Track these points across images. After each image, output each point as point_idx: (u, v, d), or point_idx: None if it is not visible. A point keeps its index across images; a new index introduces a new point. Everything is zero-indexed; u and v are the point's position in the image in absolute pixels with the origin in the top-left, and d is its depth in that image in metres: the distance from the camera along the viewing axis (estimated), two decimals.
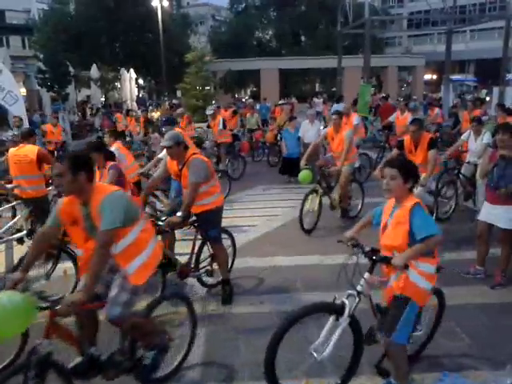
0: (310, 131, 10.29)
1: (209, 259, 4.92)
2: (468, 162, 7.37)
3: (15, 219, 6.25)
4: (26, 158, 5.92)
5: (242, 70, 34.89)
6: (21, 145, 6.16)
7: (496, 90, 17.01)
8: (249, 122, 15.02)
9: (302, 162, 7.09)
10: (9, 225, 6.17)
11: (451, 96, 22.77)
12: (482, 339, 3.88)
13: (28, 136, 6.24)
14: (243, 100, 30.92)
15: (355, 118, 10.04)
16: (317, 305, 3.17)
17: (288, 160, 10.21)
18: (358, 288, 3.00)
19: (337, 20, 25.96)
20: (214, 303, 4.75)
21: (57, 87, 27.55)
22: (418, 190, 5.07)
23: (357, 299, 2.97)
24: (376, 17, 25.71)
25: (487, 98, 21.43)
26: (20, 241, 6.10)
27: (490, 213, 4.89)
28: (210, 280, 4.99)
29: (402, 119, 10.64)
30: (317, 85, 47.14)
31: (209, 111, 11.28)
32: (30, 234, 6.15)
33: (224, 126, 10.73)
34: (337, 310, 2.97)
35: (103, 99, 29.40)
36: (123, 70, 25.28)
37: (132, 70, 25.43)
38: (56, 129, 12.48)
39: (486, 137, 7.14)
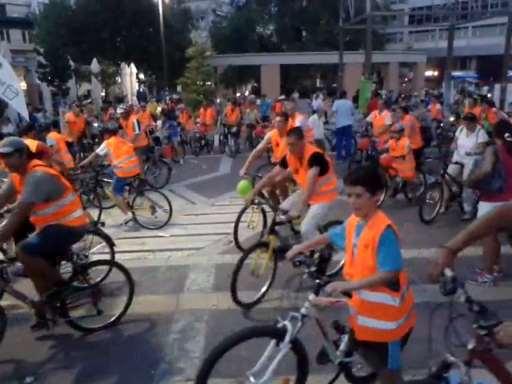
0: (320, 126, 10.24)
1: None
2: (456, 163, 7.20)
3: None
4: None
5: (243, 66, 34.81)
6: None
7: (498, 86, 16.97)
8: (248, 117, 15.04)
9: (242, 172, 6.18)
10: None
11: (452, 92, 22.73)
12: None
13: (28, 130, 6.26)
14: (241, 95, 30.86)
15: (299, 120, 9.07)
16: (256, 329, 3.01)
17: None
18: (302, 311, 2.78)
19: (338, 15, 25.89)
20: (214, 298, 4.77)
21: (57, 81, 27.46)
22: (304, 225, 4.73)
23: (299, 323, 2.75)
24: (377, 12, 25.53)
25: (488, 95, 21.39)
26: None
27: (483, 210, 4.91)
28: None
29: (379, 119, 9.96)
30: (317, 81, 47.05)
31: (120, 109, 9.89)
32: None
33: (139, 128, 9.58)
34: (278, 335, 2.76)
35: (103, 94, 29.31)
36: (124, 65, 25.22)
37: (132, 65, 25.37)
38: (78, 118, 12.46)
39: (481, 135, 7.02)
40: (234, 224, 5.97)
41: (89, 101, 20.73)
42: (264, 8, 43.67)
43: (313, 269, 2.86)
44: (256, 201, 4.81)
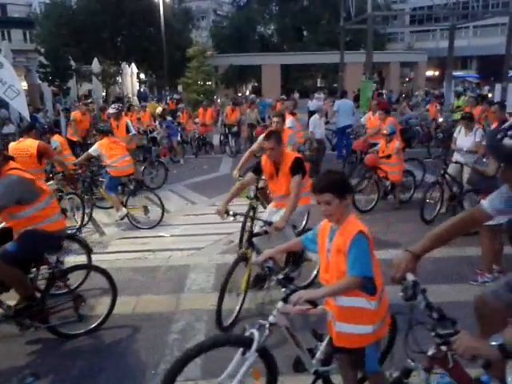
0: (321, 126, 10.22)
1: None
2: (456, 162, 7.14)
3: None
4: (27, 152, 5.95)
5: (244, 65, 34.83)
6: (21, 139, 6.20)
7: (498, 86, 16.95)
8: (249, 117, 15.05)
9: (235, 173, 6.07)
10: None
11: (453, 92, 22.70)
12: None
13: (28, 130, 6.26)
14: (242, 95, 30.88)
15: (289, 121, 8.80)
16: (221, 338, 2.93)
17: None
18: (270, 319, 2.68)
19: (339, 15, 25.87)
20: (215, 298, 4.76)
21: (58, 81, 27.48)
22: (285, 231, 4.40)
23: (267, 331, 2.66)
24: (379, 12, 25.56)
25: (489, 95, 21.37)
26: None
27: None
28: None
29: (373, 120, 9.78)
30: (318, 80, 47.06)
31: (111, 109, 9.57)
32: None
33: (129, 130, 9.22)
34: (244, 344, 2.66)
35: (104, 93, 29.34)
36: (124, 65, 25.25)
37: (133, 65, 25.40)
38: (85, 117, 12.34)
39: (479, 134, 6.97)
40: (240, 228, 5.88)
41: (89, 100, 20.73)
42: (265, 8, 43.73)
43: (280, 276, 2.77)
44: (231, 212, 4.39)
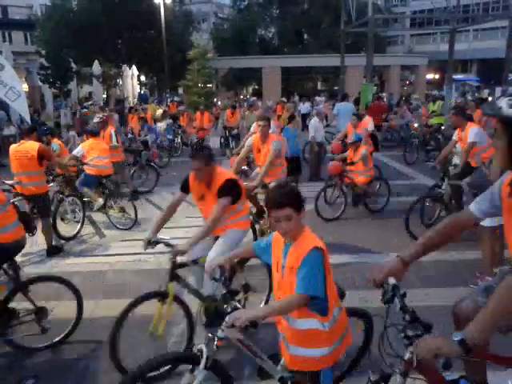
0: (321, 130, 10.22)
1: None
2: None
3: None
4: (27, 154, 5.95)
5: (244, 68, 34.86)
6: (22, 141, 6.21)
7: (498, 89, 16.98)
8: (249, 119, 15.05)
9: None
10: None
11: (454, 96, 22.74)
12: None
13: (29, 132, 6.26)
14: (243, 97, 30.88)
15: (271, 126, 8.99)
16: (169, 356, 2.76)
17: (287, 159, 10.11)
18: (218, 333, 2.52)
19: (340, 18, 25.93)
20: None
21: (59, 83, 27.52)
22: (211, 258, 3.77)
23: (215, 347, 2.53)
24: (379, 15, 25.60)
25: (489, 98, 21.39)
26: None
27: None
28: None
29: (364, 123, 9.53)
30: (319, 83, 47.11)
31: (96, 119, 9.40)
32: (31, 230, 6.22)
33: (116, 140, 8.92)
34: (193, 361, 2.53)
35: (105, 96, 29.38)
36: (125, 67, 25.27)
37: (134, 67, 25.42)
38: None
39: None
40: None
41: (90, 103, 20.76)
42: (266, 10, 43.83)
43: (224, 291, 2.61)
44: (158, 238, 3.80)
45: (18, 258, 6.01)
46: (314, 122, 10.57)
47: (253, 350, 2.70)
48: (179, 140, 14.50)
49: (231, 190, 3.91)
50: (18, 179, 6.08)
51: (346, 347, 2.61)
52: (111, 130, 9.02)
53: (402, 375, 2.27)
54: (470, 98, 23.05)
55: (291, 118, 10.69)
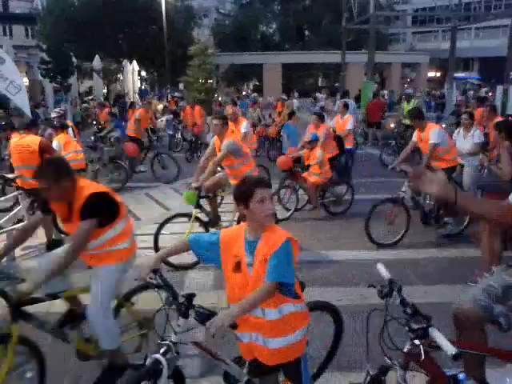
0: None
1: None
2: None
3: (16, 209, 6.30)
4: (29, 148, 5.93)
5: (245, 64, 34.80)
6: (23, 134, 6.19)
7: (500, 88, 16.94)
8: (251, 116, 15.02)
9: (193, 184, 5.66)
10: (10, 215, 6.22)
11: (455, 94, 22.71)
12: None
13: (31, 126, 6.26)
14: (246, 93, 30.78)
15: (244, 125, 8.45)
16: (133, 378, 2.44)
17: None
18: (172, 338, 2.38)
19: (341, 15, 25.88)
20: (214, 297, 4.76)
21: (59, 78, 27.48)
22: (90, 309, 3.09)
23: (173, 353, 2.39)
24: (381, 12, 25.56)
25: (490, 94, 21.38)
26: None
27: None
28: None
29: (341, 123, 9.41)
30: (319, 80, 47.04)
31: (53, 113, 9.05)
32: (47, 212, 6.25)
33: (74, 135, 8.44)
34: (155, 373, 2.33)
35: (105, 91, 29.35)
36: (126, 62, 25.23)
37: (135, 62, 25.37)
38: (148, 115, 12.10)
39: (477, 136, 6.94)
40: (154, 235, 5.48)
41: (90, 98, 20.74)
42: (267, 6, 43.70)
43: (181, 299, 2.38)
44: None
45: (18, 252, 6.07)
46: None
47: (214, 353, 2.54)
48: (179, 135, 14.46)
49: (95, 209, 3.00)
50: (19, 173, 6.06)
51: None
52: (70, 124, 8.81)
53: (402, 368, 2.30)
54: (471, 96, 23.07)
55: (291, 114, 10.70)
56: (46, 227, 6.19)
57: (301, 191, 7.57)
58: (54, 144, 7.29)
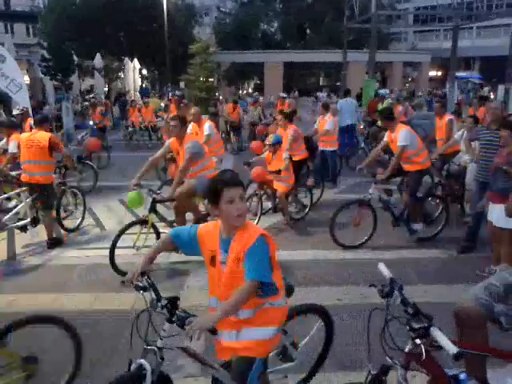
0: (334, 125, 10.17)
1: None
2: (459, 165, 7.15)
3: (18, 207, 6.34)
4: (39, 144, 6.03)
5: (246, 63, 34.78)
6: (34, 130, 6.30)
7: (501, 87, 16.91)
8: (252, 114, 15.06)
9: (133, 182, 5.36)
10: (12, 213, 6.25)
11: (456, 93, 22.68)
12: None
13: (42, 122, 6.34)
14: (247, 92, 30.80)
15: (207, 127, 7.88)
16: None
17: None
18: (158, 343, 2.35)
19: (343, 14, 25.86)
20: None
21: (60, 76, 27.50)
22: None
23: (158, 358, 2.35)
24: (382, 11, 25.51)
25: (491, 96, 21.36)
26: (23, 229, 6.25)
27: (493, 212, 4.85)
28: None
29: (323, 122, 9.26)
30: (321, 79, 47.02)
31: (16, 111, 8.78)
32: (34, 221, 6.28)
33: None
34: (139, 379, 2.29)
35: (106, 89, 29.35)
36: (127, 60, 25.23)
37: (136, 60, 25.36)
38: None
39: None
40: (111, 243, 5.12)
41: (91, 96, 20.72)
42: (268, 5, 43.69)
43: (164, 302, 2.34)
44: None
45: (19, 250, 6.09)
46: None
47: (201, 358, 2.47)
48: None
49: None
50: (26, 167, 6.10)
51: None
52: (31, 121, 8.36)
53: (403, 367, 2.30)
54: (472, 95, 23.04)
55: (293, 113, 10.65)
56: (47, 225, 6.21)
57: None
58: (12, 144, 6.78)
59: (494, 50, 38.32)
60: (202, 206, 6.07)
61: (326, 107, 9.50)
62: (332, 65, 36.52)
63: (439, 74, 44.02)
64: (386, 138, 6.28)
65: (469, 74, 42.02)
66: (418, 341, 2.18)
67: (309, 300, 4.29)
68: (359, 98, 19.59)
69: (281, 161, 6.68)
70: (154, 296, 2.40)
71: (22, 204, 6.29)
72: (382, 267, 2.59)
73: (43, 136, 6.07)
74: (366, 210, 6.02)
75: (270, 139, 6.83)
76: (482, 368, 2.66)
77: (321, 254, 5.94)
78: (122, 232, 5.20)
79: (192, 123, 7.95)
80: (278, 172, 6.69)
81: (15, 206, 6.42)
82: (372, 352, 2.42)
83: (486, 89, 27.18)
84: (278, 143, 6.79)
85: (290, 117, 7.73)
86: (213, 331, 2.13)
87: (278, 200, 6.89)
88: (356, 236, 6.09)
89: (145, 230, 5.40)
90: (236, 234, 2.29)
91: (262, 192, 6.90)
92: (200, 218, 5.80)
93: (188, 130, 7.20)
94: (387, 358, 2.34)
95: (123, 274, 4.90)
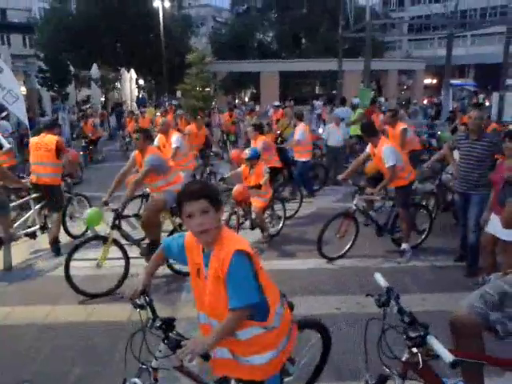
0: (335, 134, 10.21)
1: None
2: (451, 174, 6.91)
3: (27, 215, 6.44)
4: (47, 147, 6.26)
5: (243, 72, 34.93)
6: (42, 134, 6.49)
7: (496, 95, 17.02)
8: (249, 123, 15.09)
9: (103, 199, 5.16)
10: (21, 220, 6.39)
11: (451, 100, 22.82)
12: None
13: (52, 127, 6.62)
14: (242, 102, 30.85)
15: (175, 139, 7.51)
16: None
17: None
18: (153, 363, 2.32)
19: (338, 23, 26.04)
20: None
21: (57, 86, 27.54)
22: None
23: (152, 379, 2.32)
24: (377, 21, 25.72)
25: (487, 103, 21.47)
26: (33, 235, 6.37)
27: (497, 225, 4.78)
28: None
29: (295, 132, 9.14)
30: (317, 87, 47.20)
31: None
32: (42, 228, 6.43)
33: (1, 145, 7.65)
34: None
35: (103, 99, 29.40)
36: (123, 70, 25.31)
37: (132, 70, 25.45)
38: (201, 131, 10.82)
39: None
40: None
41: (88, 106, 20.78)
42: (264, 15, 43.98)
43: (158, 323, 2.30)
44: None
45: (28, 255, 6.24)
46: (329, 127, 10.61)
47: (195, 377, 2.44)
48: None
49: None
50: (34, 169, 6.28)
51: (292, 351, 2.46)
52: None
53: (400, 377, 2.30)
54: (466, 102, 23.16)
55: (261, 125, 10.46)
56: (54, 227, 6.31)
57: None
58: None
59: (488, 58, 38.63)
60: (169, 222, 5.80)
61: (299, 117, 9.21)
62: (327, 74, 36.68)
63: (434, 81, 44.27)
64: (368, 150, 6.06)
65: (463, 82, 42.30)
66: (414, 349, 2.18)
67: (306, 310, 4.30)
68: (354, 106, 19.65)
69: (260, 175, 6.32)
70: (150, 315, 2.36)
71: (31, 212, 6.41)
72: (378, 276, 2.59)
73: (51, 139, 6.32)
74: (350, 221, 5.93)
75: (246, 153, 6.35)
76: (479, 377, 2.66)
77: (318, 262, 5.93)
78: (76, 248, 4.93)
79: (159, 134, 7.81)
80: (257, 187, 6.29)
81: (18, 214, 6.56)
82: (369, 362, 2.42)
83: (480, 96, 27.34)
84: (255, 157, 6.37)
85: (259, 128, 7.60)
86: (205, 357, 2.03)
87: (254, 215, 6.48)
88: (340, 246, 6.06)
89: (106, 247, 5.06)
90: (215, 248, 2.14)
91: (240, 210, 6.52)
92: (155, 240, 5.46)
93: (155, 142, 7.22)
94: (384, 367, 2.33)
95: (76, 289, 4.87)
